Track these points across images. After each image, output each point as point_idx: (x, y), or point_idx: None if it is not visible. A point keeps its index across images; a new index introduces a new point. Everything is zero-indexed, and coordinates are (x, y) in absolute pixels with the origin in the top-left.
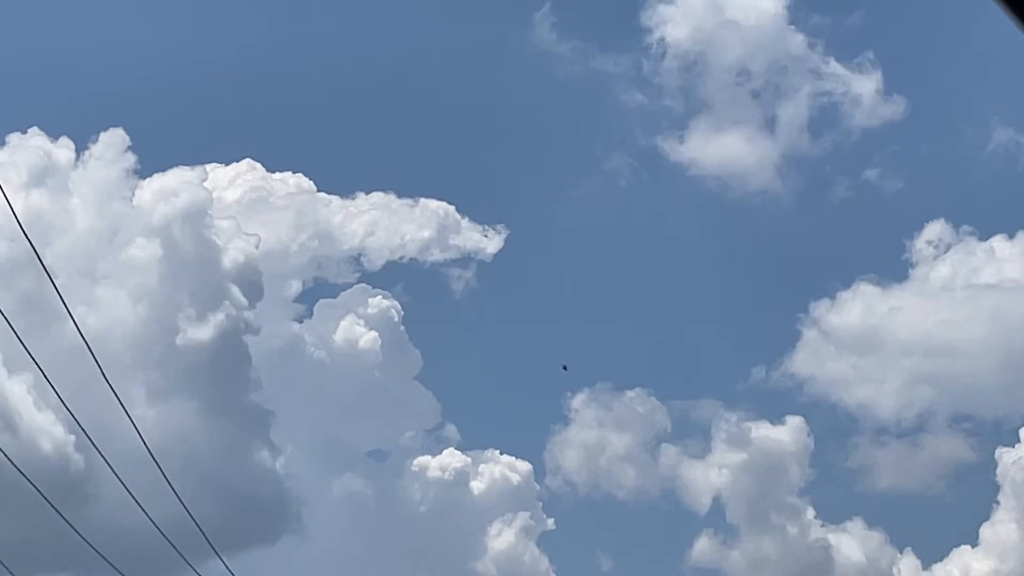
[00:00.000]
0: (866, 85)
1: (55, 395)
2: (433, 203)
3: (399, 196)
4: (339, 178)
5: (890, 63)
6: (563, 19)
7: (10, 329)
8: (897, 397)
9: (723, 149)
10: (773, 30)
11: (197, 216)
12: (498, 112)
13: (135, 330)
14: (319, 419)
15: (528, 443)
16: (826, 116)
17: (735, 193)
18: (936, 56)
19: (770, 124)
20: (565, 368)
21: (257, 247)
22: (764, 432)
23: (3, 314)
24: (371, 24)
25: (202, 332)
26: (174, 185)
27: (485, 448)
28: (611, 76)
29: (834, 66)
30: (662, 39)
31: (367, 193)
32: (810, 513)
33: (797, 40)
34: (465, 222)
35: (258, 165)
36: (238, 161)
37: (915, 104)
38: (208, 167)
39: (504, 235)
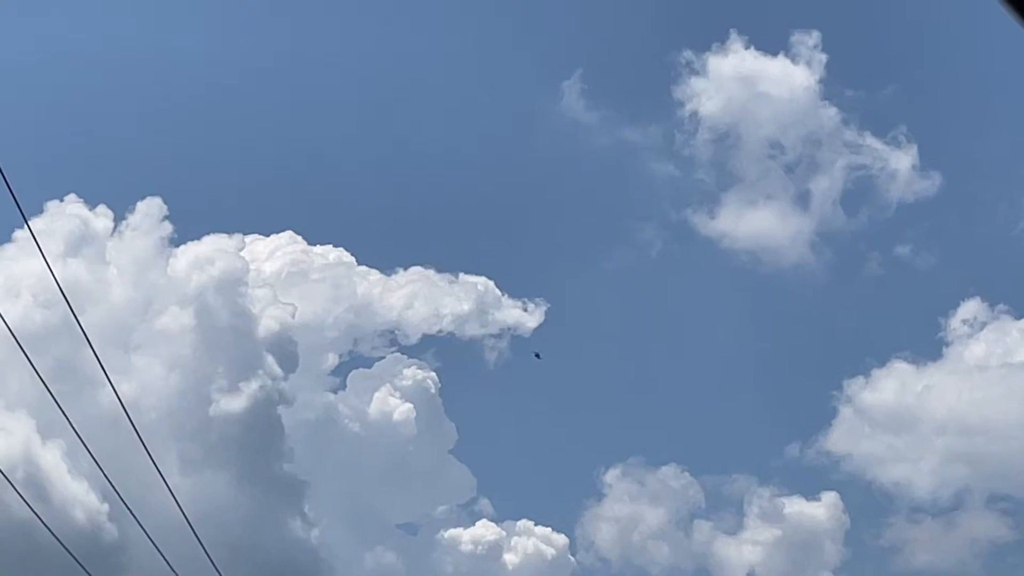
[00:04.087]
0: (901, 159)
1: (88, 463)
2: (471, 277)
3: (438, 271)
4: (379, 253)
5: (924, 137)
6: (592, 87)
7: (42, 396)
8: (932, 476)
9: (756, 223)
10: (806, 104)
11: (232, 285)
12: (529, 182)
13: (169, 400)
14: (352, 491)
15: (561, 518)
16: (860, 191)
17: (768, 268)
18: (970, 131)
19: (803, 198)
20: (537, 356)
21: (293, 316)
22: (798, 508)
23: (43, 380)
24: (408, 102)
25: (236, 402)
26: (209, 253)
27: (518, 519)
28: (641, 147)
29: (869, 140)
30: (695, 112)
31: (406, 268)
32: None
33: (830, 114)
34: (505, 298)
35: (299, 238)
36: (279, 232)
37: (949, 179)
38: (247, 238)
39: (544, 309)
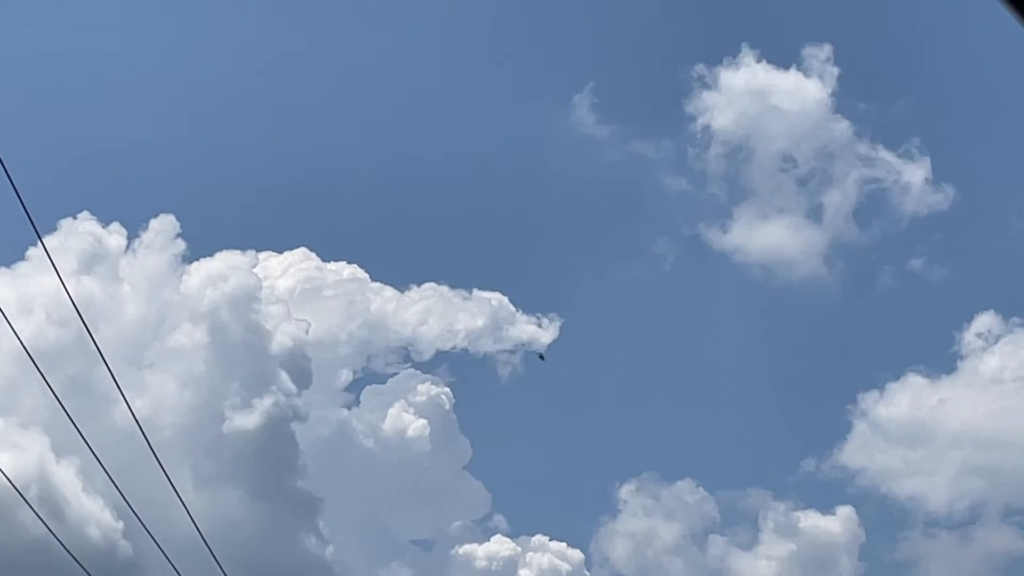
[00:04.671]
0: (914, 172)
1: (102, 481)
2: (485, 293)
3: (452, 287)
4: (393, 269)
5: (937, 150)
6: (603, 101)
7: (56, 413)
8: (948, 489)
9: (768, 237)
10: (818, 117)
11: (246, 301)
12: (542, 197)
13: (182, 417)
14: (367, 507)
15: (576, 533)
16: (873, 204)
17: (780, 282)
18: (984, 144)
19: (816, 212)
20: (541, 357)
21: (307, 333)
22: (813, 522)
23: (57, 398)
24: (421, 118)
25: (250, 419)
26: (222, 270)
27: (533, 535)
28: (653, 161)
29: (881, 153)
30: (707, 126)
31: (419, 284)
32: None
33: (843, 127)
34: (519, 313)
35: (313, 254)
36: (293, 249)
37: (963, 192)
38: (261, 254)
39: (559, 324)
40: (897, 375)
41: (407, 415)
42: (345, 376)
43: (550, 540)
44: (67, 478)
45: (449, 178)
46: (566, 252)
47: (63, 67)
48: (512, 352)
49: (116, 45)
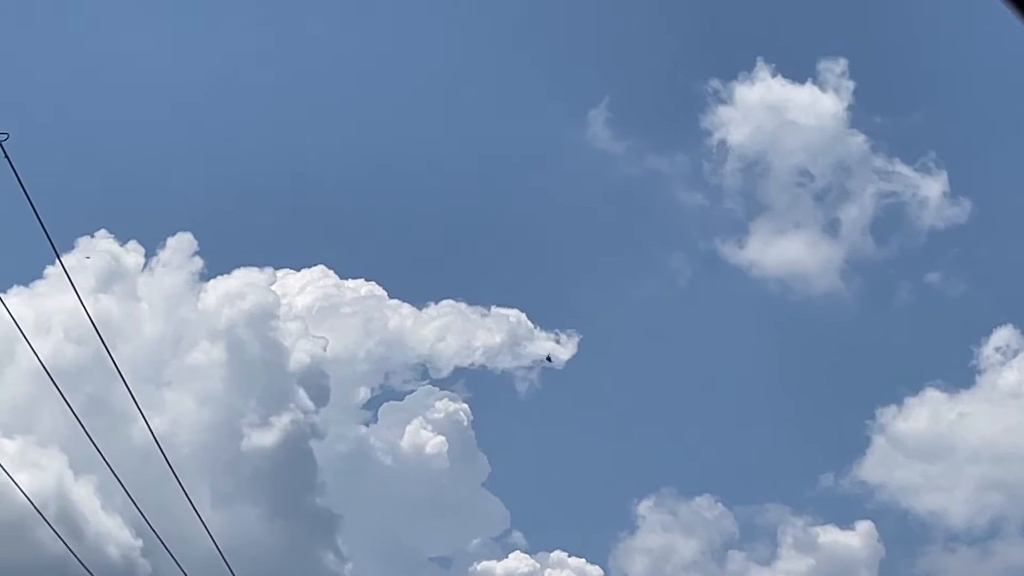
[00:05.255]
0: (931, 186)
1: (120, 499)
2: (503, 310)
3: (470, 304)
4: (411, 286)
5: (954, 164)
6: (619, 116)
7: (74, 432)
8: (967, 504)
9: (785, 251)
10: (834, 131)
11: (263, 319)
12: (558, 213)
13: (200, 434)
14: (385, 524)
15: (595, 549)
16: (890, 218)
17: (798, 296)
18: (1001, 157)
19: (833, 226)
20: (549, 360)
21: (325, 350)
22: (832, 537)
23: (76, 416)
24: (436, 136)
25: (268, 436)
26: (240, 287)
27: (552, 551)
28: (668, 176)
29: (898, 167)
30: (723, 141)
31: (437, 301)
32: None
33: (859, 141)
34: (537, 330)
35: (331, 272)
36: (311, 267)
37: (980, 206)
38: (279, 272)
39: (577, 340)
40: (915, 390)
41: (425, 432)
42: (363, 393)
43: (569, 556)
44: (86, 496)
45: (466, 195)
46: (583, 268)
47: (80, 86)
48: (530, 368)
49: (133, 65)
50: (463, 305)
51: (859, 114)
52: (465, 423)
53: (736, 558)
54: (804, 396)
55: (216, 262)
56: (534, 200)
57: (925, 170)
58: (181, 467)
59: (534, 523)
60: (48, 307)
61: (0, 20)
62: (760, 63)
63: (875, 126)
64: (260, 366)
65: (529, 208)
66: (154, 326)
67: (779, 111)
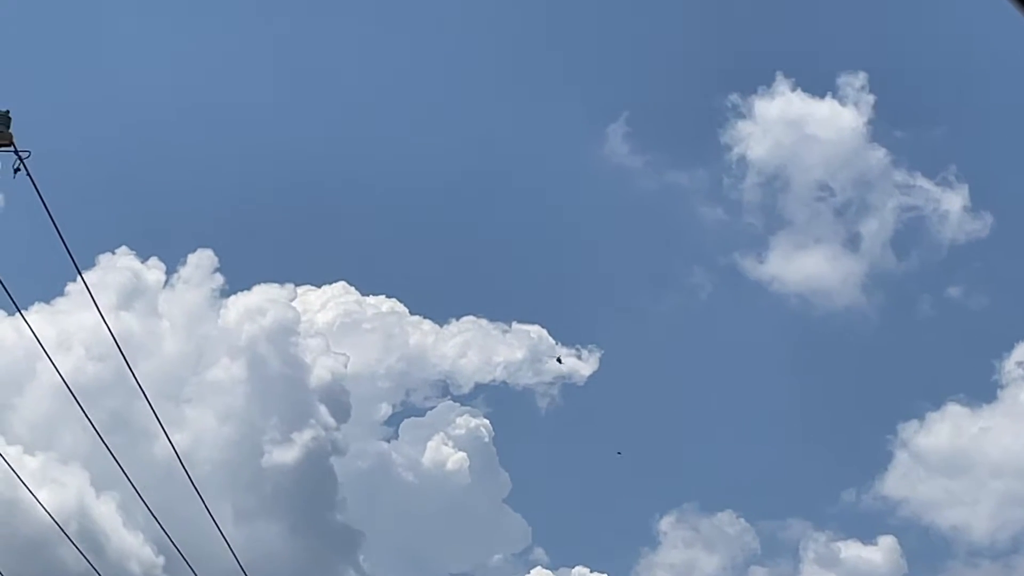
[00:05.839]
0: (952, 200)
1: (142, 516)
2: (525, 326)
3: (491, 320)
4: (432, 303)
5: (975, 178)
6: (637, 131)
7: (95, 449)
8: (990, 519)
9: (805, 266)
10: (854, 145)
11: (284, 335)
12: (578, 228)
13: (221, 451)
14: (407, 540)
15: (617, 565)
16: (911, 232)
17: (819, 311)
18: (1021, 170)
19: (853, 241)
20: (559, 361)
21: (346, 366)
22: (855, 552)
23: (98, 433)
24: (456, 152)
25: (289, 453)
26: (260, 303)
27: (573, 567)
28: (688, 191)
29: (919, 181)
30: (742, 155)
31: (458, 318)
32: None
33: (879, 155)
34: (559, 346)
35: (352, 288)
36: (332, 283)
37: (1001, 220)
38: (300, 288)
39: (598, 355)
40: (937, 404)
41: (446, 448)
42: (384, 409)
43: (590, 572)
44: (107, 513)
45: (486, 210)
46: (603, 283)
47: (101, 103)
48: (551, 384)
49: (153, 82)
50: (484, 321)
51: (879, 128)
52: (486, 439)
53: (758, 573)
54: (825, 411)
55: (237, 278)
56: (554, 215)
57: (946, 184)
58: (202, 484)
59: (556, 539)
60: (69, 324)
61: (22, 39)
62: (780, 77)
63: (895, 140)
64: (281, 382)
65: (549, 223)
66: (175, 343)
67: (799, 125)
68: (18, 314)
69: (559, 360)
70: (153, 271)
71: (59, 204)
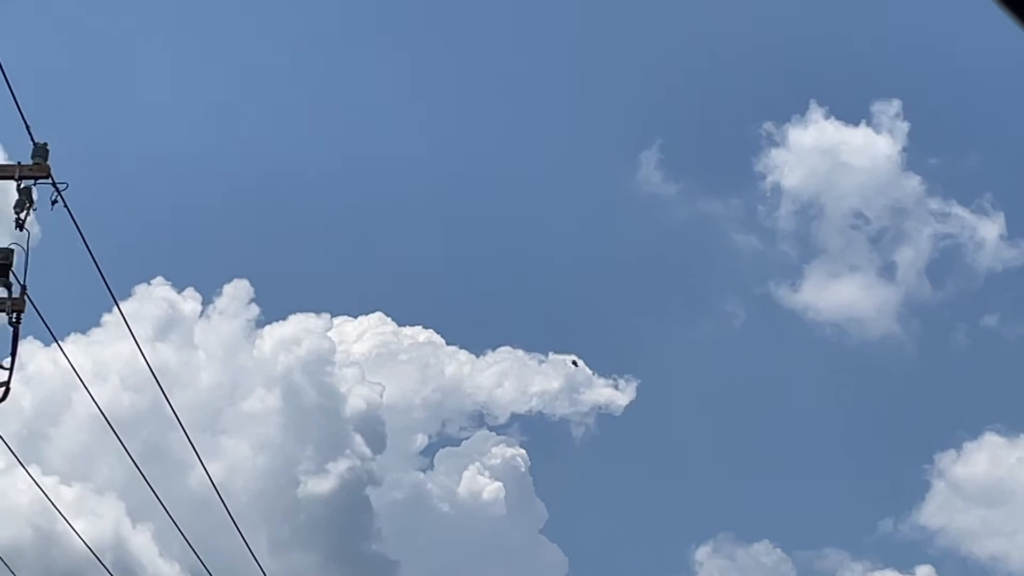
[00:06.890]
0: (988, 228)
1: (179, 546)
2: (561, 356)
3: (527, 350)
4: (468, 333)
5: (1011, 205)
6: (670, 158)
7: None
8: None
9: (840, 295)
10: (889, 173)
11: (319, 365)
12: (612, 257)
13: (257, 482)
14: (442, 570)
15: None
16: (946, 260)
17: (854, 340)
18: None
19: (889, 269)
20: (575, 363)
21: (382, 396)
22: None
23: (135, 463)
24: (490, 183)
25: (324, 483)
26: (296, 333)
27: None
28: (722, 219)
29: (954, 209)
30: (776, 184)
31: (494, 348)
32: None
33: (914, 183)
34: (595, 376)
35: (389, 319)
36: (369, 314)
37: None
38: (336, 319)
39: (635, 385)
40: (974, 434)
41: (482, 478)
42: (420, 440)
43: None
44: (143, 544)
45: (520, 241)
46: (637, 312)
47: (137, 135)
48: (587, 414)
49: (187, 112)
50: (520, 352)
51: (914, 155)
52: (522, 469)
53: None
54: (862, 440)
55: (272, 308)
56: (587, 244)
57: (982, 211)
58: (238, 514)
59: (592, 569)
60: (106, 355)
61: (60, 72)
62: (813, 105)
63: (930, 167)
64: (317, 413)
65: (583, 252)
66: (210, 373)
67: (833, 153)
68: (55, 344)
69: (574, 363)
70: (189, 301)
71: (96, 235)
